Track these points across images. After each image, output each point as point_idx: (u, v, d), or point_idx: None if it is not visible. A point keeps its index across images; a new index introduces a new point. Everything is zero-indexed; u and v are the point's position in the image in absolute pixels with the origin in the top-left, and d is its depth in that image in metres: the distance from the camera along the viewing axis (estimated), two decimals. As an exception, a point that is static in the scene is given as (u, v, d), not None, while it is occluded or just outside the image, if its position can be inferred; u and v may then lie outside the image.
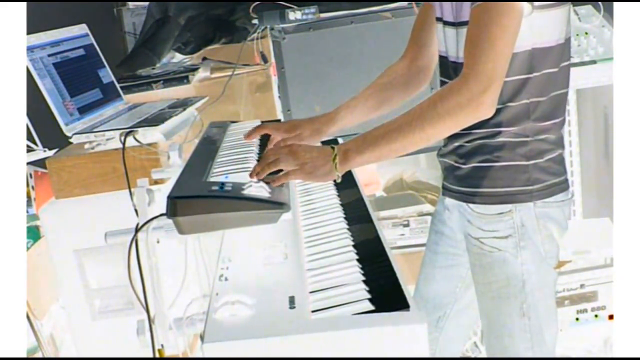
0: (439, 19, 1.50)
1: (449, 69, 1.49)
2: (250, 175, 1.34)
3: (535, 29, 1.35)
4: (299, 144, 1.43)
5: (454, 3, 1.43)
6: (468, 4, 1.35)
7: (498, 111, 1.38)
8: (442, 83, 1.53)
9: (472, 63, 1.29)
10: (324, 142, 1.81)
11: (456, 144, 1.49)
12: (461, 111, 1.29)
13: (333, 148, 1.35)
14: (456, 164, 1.50)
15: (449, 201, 1.57)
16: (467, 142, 1.46)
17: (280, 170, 1.36)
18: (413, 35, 1.65)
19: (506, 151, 1.43)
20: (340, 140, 1.87)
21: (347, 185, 1.63)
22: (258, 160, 1.51)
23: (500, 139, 1.42)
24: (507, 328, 1.52)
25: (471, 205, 1.49)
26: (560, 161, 1.48)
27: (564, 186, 1.48)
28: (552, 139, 1.45)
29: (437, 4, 1.50)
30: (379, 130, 1.34)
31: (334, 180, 1.37)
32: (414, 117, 1.32)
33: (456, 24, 1.43)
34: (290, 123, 1.60)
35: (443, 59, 1.52)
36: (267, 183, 1.31)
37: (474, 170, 1.47)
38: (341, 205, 1.51)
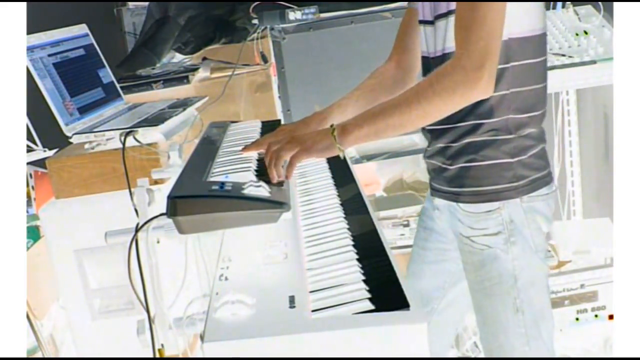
0: (421, 22, 1.54)
1: (431, 67, 1.51)
2: (273, 182, 1.34)
3: (510, 19, 1.37)
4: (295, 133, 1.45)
5: (432, 2, 1.47)
6: None
7: (478, 102, 1.40)
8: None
9: (464, 43, 1.32)
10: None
11: (441, 144, 1.51)
12: (457, 89, 1.31)
13: (331, 125, 1.37)
14: (443, 165, 1.53)
15: (439, 201, 1.59)
16: (452, 141, 1.49)
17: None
18: (397, 40, 1.69)
19: (491, 150, 1.46)
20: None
21: (346, 185, 1.64)
22: (258, 160, 1.51)
23: (484, 137, 1.45)
24: (501, 325, 1.54)
25: (461, 204, 1.51)
26: (542, 156, 1.51)
27: (547, 180, 1.51)
28: (534, 134, 1.48)
29: (419, 7, 1.53)
30: (377, 107, 1.37)
31: (341, 171, 1.38)
32: (411, 94, 1.35)
33: (434, 20, 1.47)
34: (286, 130, 1.60)
35: (424, 59, 1.55)
36: (267, 182, 1.31)
37: (461, 170, 1.49)
38: (341, 204, 1.51)
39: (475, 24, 1.30)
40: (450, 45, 1.43)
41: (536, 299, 1.52)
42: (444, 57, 1.46)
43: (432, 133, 1.52)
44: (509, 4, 1.35)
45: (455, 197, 1.52)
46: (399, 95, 1.37)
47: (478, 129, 1.45)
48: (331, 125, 1.37)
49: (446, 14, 1.43)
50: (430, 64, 1.52)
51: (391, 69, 1.68)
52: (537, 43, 1.45)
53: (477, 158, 1.47)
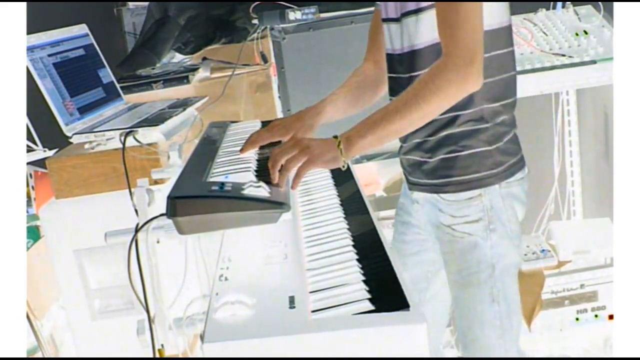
0: (384, 20, 1.56)
1: (395, 63, 1.55)
2: (272, 183, 1.34)
3: None
4: (302, 136, 1.47)
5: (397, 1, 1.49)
6: None
7: None
8: (390, 79, 1.59)
9: (451, 41, 1.35)
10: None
11: (418, 139, 1.54)
12: (451, 86, 1.35)
13: (335, 137, 1.39)
14: (422, 159, 1.55)
15: (418, 195, 1.62)
16: (429, 135, 1.51)
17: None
18: (370, 41, 1.73)
19: (470, 139, 1.49)
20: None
21: (346, 186, 1.64)
22: (258, 160, 1.51)
23: (461, 128, 1.48)
24: (477, 316, 1.57)
25: (442, 195, 1.54)
26: (515, 141, 1.56)
27: (521, 164, 1.57)
28: (507, 121, 1.53)
29: (382, 6, 1.56)
30: (377, 114, 1.39)
31: (340, 168, 1.40)
32: (409, 97, 1.37)
33: (400, 17, 1.49)
34: (281, 125, 1.61)
35: (389, 56, 1.58)
36: (267, 183, 1.31)
37: (442, 162, 1.52)
38: (341, 204, 1.52)
39: (459, 22, 1.34)
40: (420, 42, 1.47)
41: (510, 289, 1.56)
42: (412, 54, 1.49)
43: None
44: None
45: (437, 189, 1.55)
46: (396, 100, 1.39)
47: (455, 121, 1.48)
48: (335, 137, 1.39)
49: (415, 11, 1.46)
50: (394, 60, 1.55)
51: (370, 69, 1.72)
52: (505, 35, 1.50)
53: (456, 149, 1.50)
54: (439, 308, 1.77)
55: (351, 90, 1.69)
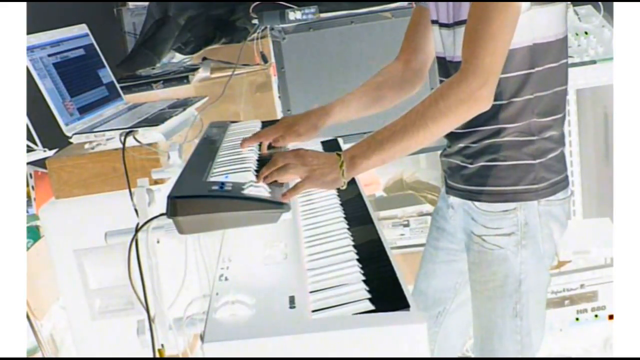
0: (434, 22, 1.52)
1: (448, 68, 1.50)
2: (257, 179, 1.32)
3: (535, 24, 1.37)
4: (306, 149, 1.40)
5: (450, 4, 1.44)
6: (467, 3, 1.36)
7: (502, 107, 1.41)
8: (442, 82, 1.53)
9: (471, 58, 1.31)
10: (324, 142, 1.82)
11: (461, 144, 1.50)
12: (461, 106, 1.31)
13: (339, 155, 1.35)
14: (462, 164, 1.52)
15: (454, 200, 1.58)
16: (473, 142, 1.48)
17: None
18: (407, 39, 1.67)
19: (513, 150, 1.45)
20: (341, 141, 1.87)
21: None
22: (258, 160, 1.51)
23: (506, 138, 1.44)
24: (497, 329, 1.54)
25: (477, 203, 1.50)
26: (561, 159, 1.50)
27: (565, 183, 1.51)
28: (556, 137, 1.48)
29: (432, 7, 1.51)
30: (382, 133, 1.35)
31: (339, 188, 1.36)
32: (417, 116, 1.33)
33: (454, 24, 1.45)
34: (285, 121, 1.60)
35: (441, 60, 1.53)
36: (267, 183, 1.31)
37: (482, 169, 1.48)
38: (341, 205, 1.52)
39: (485, 39, 1.30)
40: None
41: (534, 306, 1.52)
42: None
43: (453, 135, 1.51)
44: (534, 10, 1.35)
45: (472, 196, 1.51)
46: (403, 118, 1.35)
47: (501, 133, 1.44)
48: (338, 154, 1.35)
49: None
50: (448, 66, 1.50)
51: (399, 69, 1.66)
52: (560, 47, 1.44)
53: (498, 158, 1.46)
54: (462, 318, 1.73)
55: (369, 90, 1.64)
